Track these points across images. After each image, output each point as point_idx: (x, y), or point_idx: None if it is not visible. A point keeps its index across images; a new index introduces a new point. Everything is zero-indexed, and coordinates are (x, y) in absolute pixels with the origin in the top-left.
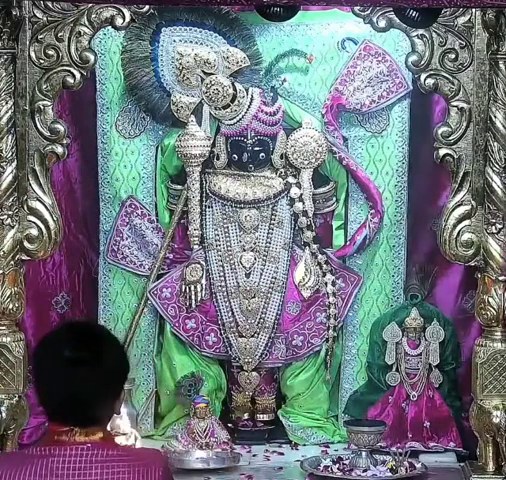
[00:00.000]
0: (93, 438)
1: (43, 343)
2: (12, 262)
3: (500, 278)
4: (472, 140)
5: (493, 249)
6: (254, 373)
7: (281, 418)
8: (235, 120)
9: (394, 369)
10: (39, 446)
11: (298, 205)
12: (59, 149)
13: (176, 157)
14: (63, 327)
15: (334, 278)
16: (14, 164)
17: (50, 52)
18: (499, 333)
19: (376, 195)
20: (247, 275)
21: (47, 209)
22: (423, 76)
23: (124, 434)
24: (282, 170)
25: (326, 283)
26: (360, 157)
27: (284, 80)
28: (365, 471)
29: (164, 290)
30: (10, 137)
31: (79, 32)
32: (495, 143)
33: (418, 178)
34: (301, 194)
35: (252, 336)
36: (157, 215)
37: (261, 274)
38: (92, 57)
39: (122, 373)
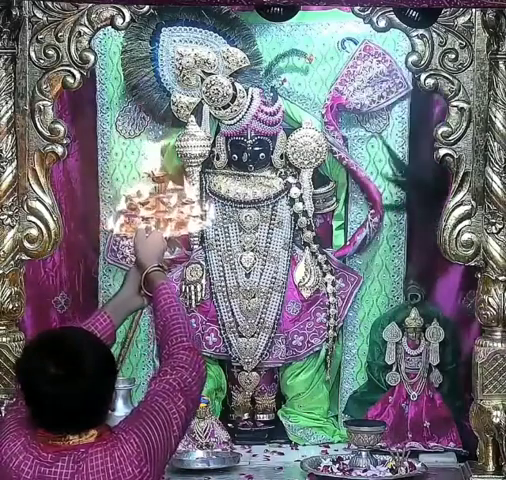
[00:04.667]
0: (87, 439)
1: (25, 359)
2: (12, 262)
3: (500, 278)
4: (472, 140)
5: (493, 249)
6: (254, 373)
7: (281, 418)
8: (235, 120)
9: (394, 369)
10: (36, 443)
11: (298, 205)
12: (59, 149)
13: (176, 157)
14: (43, 341)
15: (334, 278)
16: (14, 164)
17: (50, 52)
18: (499, 333)
19: (376, 195)
20: (247, 275)
21: (47, 209)
22: (423, 76)
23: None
24: (282, 170)
25: (326, 283)
26: (360, 157)
27: (284, 80)
28: (365, 471)
29: None
30: (10, 137)
31: (79, 32)
32: (495, 143)
33: (418, 178)
34: (301, 194)
35: (252, 336)
36: None
37: (261, 274)
38: (92, 57)
39: (110, 377)
